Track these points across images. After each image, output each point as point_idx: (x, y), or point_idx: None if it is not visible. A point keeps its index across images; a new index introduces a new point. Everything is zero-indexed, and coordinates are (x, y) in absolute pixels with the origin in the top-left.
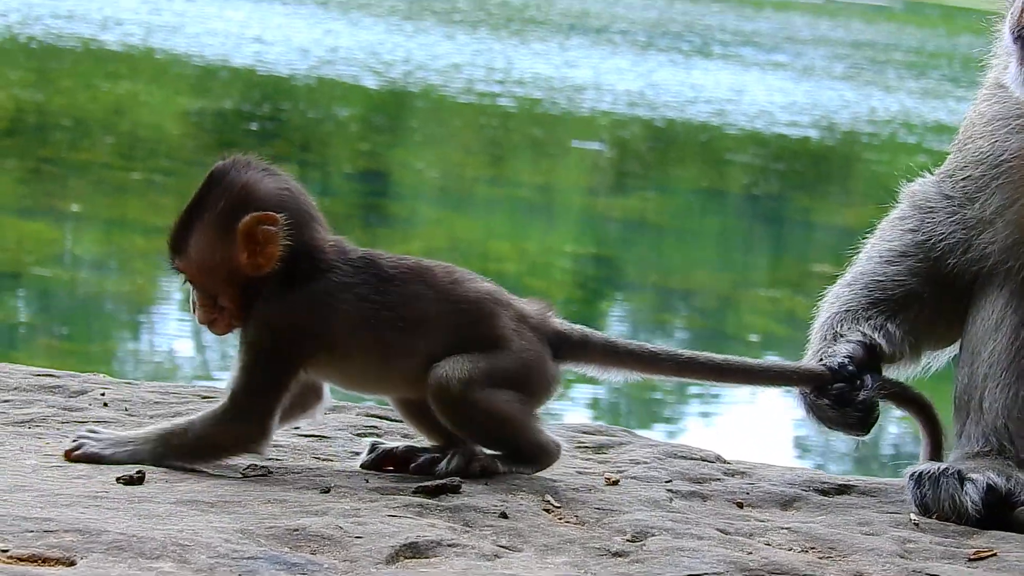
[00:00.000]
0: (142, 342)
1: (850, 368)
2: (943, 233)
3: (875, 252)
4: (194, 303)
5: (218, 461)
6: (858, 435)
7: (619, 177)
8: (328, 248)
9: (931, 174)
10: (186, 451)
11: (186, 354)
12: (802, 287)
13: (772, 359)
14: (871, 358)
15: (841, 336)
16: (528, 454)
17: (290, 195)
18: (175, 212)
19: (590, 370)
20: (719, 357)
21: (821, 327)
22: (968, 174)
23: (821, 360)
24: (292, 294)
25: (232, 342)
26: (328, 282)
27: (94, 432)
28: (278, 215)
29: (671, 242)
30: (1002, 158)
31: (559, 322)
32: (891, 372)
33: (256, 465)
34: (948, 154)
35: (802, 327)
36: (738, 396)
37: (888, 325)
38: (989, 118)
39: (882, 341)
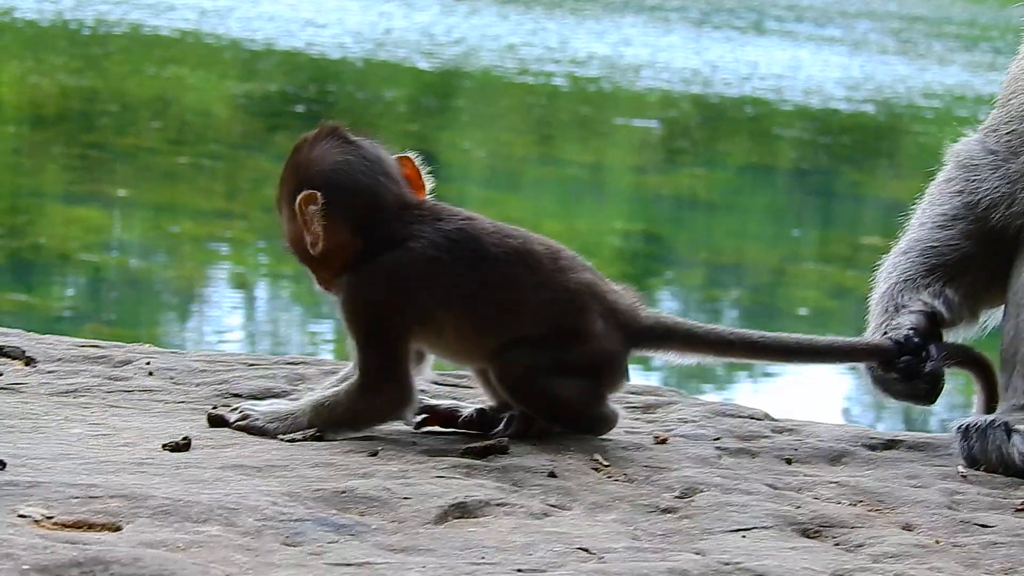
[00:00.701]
0: (189, 328)
1: (916, 340)
2: (988, 189)
3: (927, 218)
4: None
5: (372, 428)
6: (926, 405)
7: (669, 154)
8: (407, 217)
9: (974, 133)
10: (340, 423)
11: (235, 334)
12: (852, 260)
13: (836, 337)
14: (933, 326)
15: (903, 307)
16: (587, 426)
17: (351, 167)
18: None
19: (670, 356)
20: (790, 338)
21: (881, 298)
22: (1012, 128)
23: (886, 333)
24: (376, 266)
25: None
26: (410, 254)
27: (255, 407)
28: (318, 193)
29: (721, 218)
30: None
31: (645, 315)
32: (951, 335)
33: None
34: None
35: (852, 300)
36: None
37: (947, 291)
38: None
39: (942, 308)
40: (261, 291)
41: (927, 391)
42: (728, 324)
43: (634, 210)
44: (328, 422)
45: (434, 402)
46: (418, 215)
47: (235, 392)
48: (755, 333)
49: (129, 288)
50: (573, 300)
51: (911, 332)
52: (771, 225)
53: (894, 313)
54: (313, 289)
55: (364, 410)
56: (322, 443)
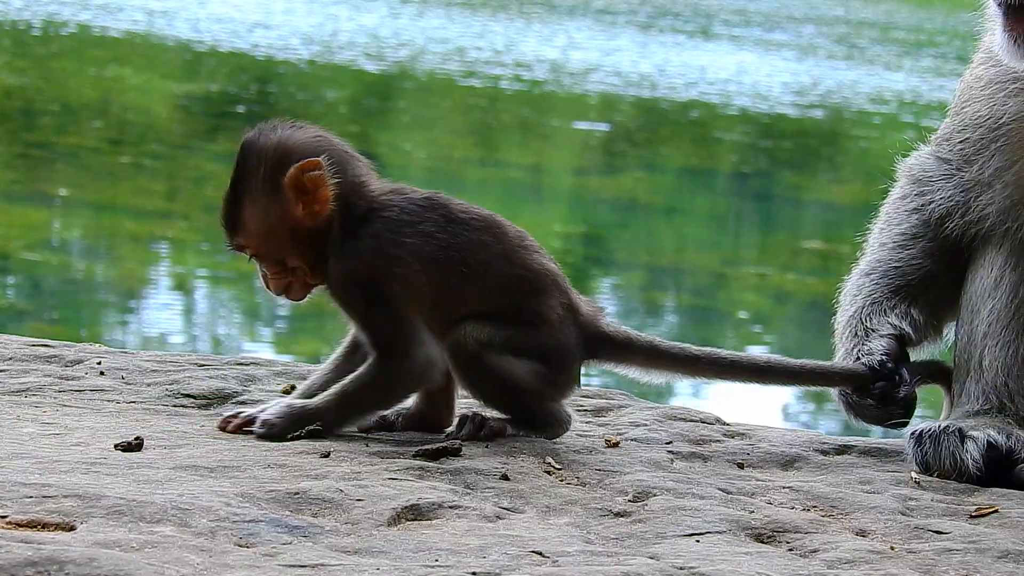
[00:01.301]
0: (132, 326)
1: (889, 365)
2: (942, 199)
3: (887, 238)
4: (264, 277)
5: (399, 402)
6: (900, 428)
7: (609, 157)
8: (382, 187)
9: (925, 145)
10: (366, 406)
11: (178, 336)
12: (792, 264)
13: (808, 360)
14: (902, 348)
15: (872, 331)
16: (538, 423)
17: (325, 140)
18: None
19: (632, 371)
20: (760, 358)
21: (849, 322)
22: (966, 136)
23: (858, 359)
24: (356, 240)
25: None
26: (389, 221)
27: (264, 412)
28: (318, 159)
29: (661, 221)
30: (1001, 121)
31: (607, 323)
32: (917, 353)
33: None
34: (935, 131)
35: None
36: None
37: (912, 311)
38: (986, 82)
39: (909, 330)
40: (202, 290)
41: (902, 415)
42: (668, 327)
43: (574, 212)
44: (357, 408)
45: None
46: (387, 188)
47: (186, 392)
48: (724, 352)
49: (71, 287)
50: (535, 280)
51: (884, 358)
52: (711, 228)
53: (864, 338)
54: (273, 297)
55: (394, 381)
56: (273, 444)
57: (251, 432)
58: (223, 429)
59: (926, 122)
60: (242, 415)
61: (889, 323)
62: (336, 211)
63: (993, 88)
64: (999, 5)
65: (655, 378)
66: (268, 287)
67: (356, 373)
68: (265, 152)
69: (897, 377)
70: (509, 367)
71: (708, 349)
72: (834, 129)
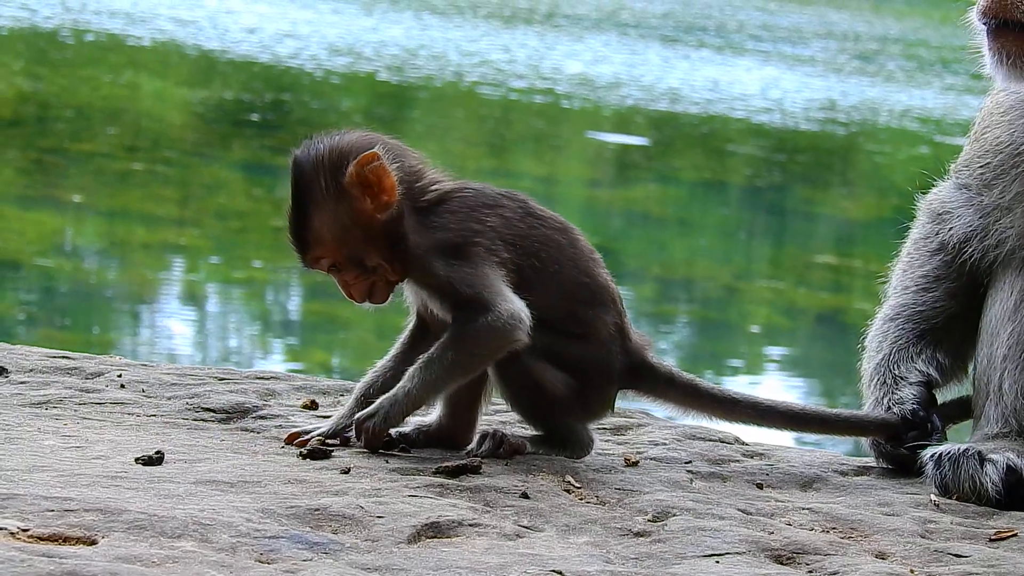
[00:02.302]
0: (144, 333)
1: (921, 414)
2: (961, 224)
3: (909, 281)
4: (346, 287)
5: (487, 361)
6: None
7: (621, 169)
8: (448, 178)
9: (945, 179)
10: (455, 368)
11: (190, 344)
12: (804, 278)
13: (843, 409)
14: (930, 393)
15: (901, 379)
16: (561, 440)
17: (374, 136)
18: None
19: (669, 408)
20: (797, 406)
21: (877, 369)
22: (986, 162)
23: (889, 408)
24: (436, 216)
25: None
26: (467, 200)
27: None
28: (374, 150)
29: (673, 233)
30: (1022, 147)
31: (653, 356)
32: (943, 393)
33: (318, 449)
34: (948, 146)
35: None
36: (753, 380)
37: (938, 355)
38: (1006, 108)
39: (936, 375)
40: (214, 298)
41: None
42: (680, 340)
43: (587, 224)
44: (450, 371)
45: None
46: (454, 180)
47: (207, 406)
48: (762, 398)
49: (83, 294)
50: (597, 293)
51: (916, 407)
52: (724, 241)
53: (893, 386)
54: (359, 305)
55: (481, 336)
56: (294, 459)
57: (332, 446)
58: (297, 446)
59: (940, 138)
60: (315, 432)
61: (917, 370)
62: (404, 198)
63: (1014, 114)
64: (983, 24)
65: (692, 417)
66: (351, 296)
67: (438, 343)
68: (319, 160)
69: (929, 425)
70: (546, 375)
71: (747, 394)
72: (848, 144)
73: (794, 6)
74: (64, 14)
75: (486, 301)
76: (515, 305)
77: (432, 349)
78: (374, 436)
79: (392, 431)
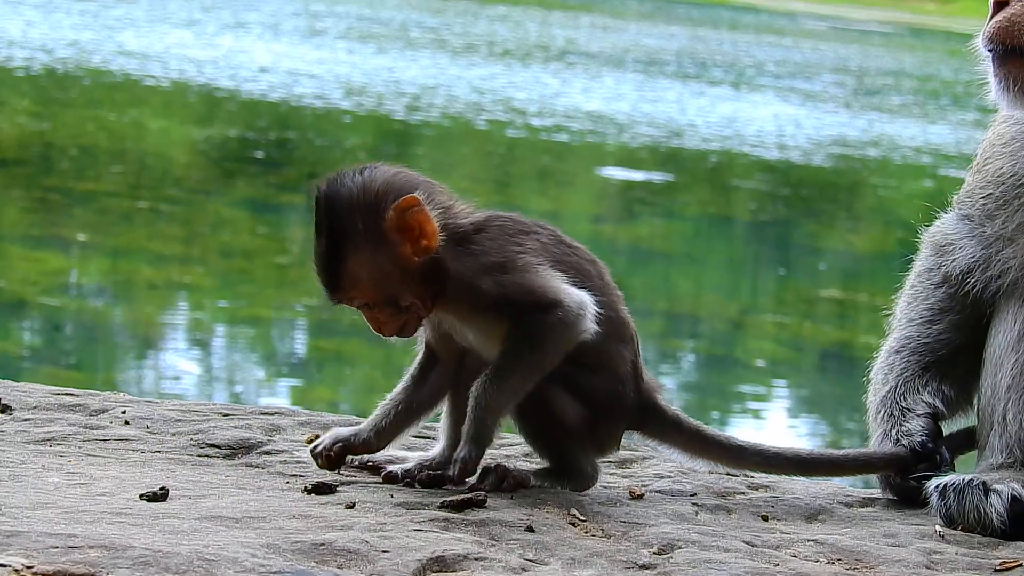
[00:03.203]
0: (149, 371)
1: (930, 446)
2: (964, 256)
3: (914, 314)
4: (376, 322)
5: (559, 356)
6: None
7: (627, 204)
8: (476, 211)
9: (948, 211)
10: (536, 364)
11: (195, 382)
12: (809, 312)
13: (851, 449)
14: (937, 426)
15: (909, 411)
16: (567, 471)
17: (407, 174)
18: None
19: (675, 453)
20: (803, 451)
21: (883, 402)
22: (988, 193)
23: (898, 440)
24: (475, 244)
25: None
26: (504, 228)
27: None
28: (414, 194)
29: (679, 268)
30: None
31: (661, 398)
32: (948, 425)
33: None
34: (953, 179)
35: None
36: (753, 411)
37: (944, 387)
38: (1008, 139)
39: (942, 407)
40: (219, 336)
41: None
42: (685, 375)
43: None
44: (525, 372)
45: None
46: (483, 212)
47: (211, 442)
48: (768, 444)
49: (89, 332)
50: (619, 328)
51: (924, 438)
52: (729, 276)
53: (901, 418)
54: (392, 341)
55: (553, 330)
56: (299, 494)
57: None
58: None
59: (944, 171)
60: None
61: (924, 402)
62: (440, 233)
63: (1015, 145)
64: (989, 51)
65: (698, 464)
66: (381, 331)
67: (503, 352)
68: (354, 199)
69: (938, 457)
70: (561, 404)
71: (752, 442)
72: (853, 178)
73: (811, 41)
74: (70, 53)
75: (549, 298)
76: (577, 295)
77: (497, 359)
78: (472, 464)
79: (396, 468)
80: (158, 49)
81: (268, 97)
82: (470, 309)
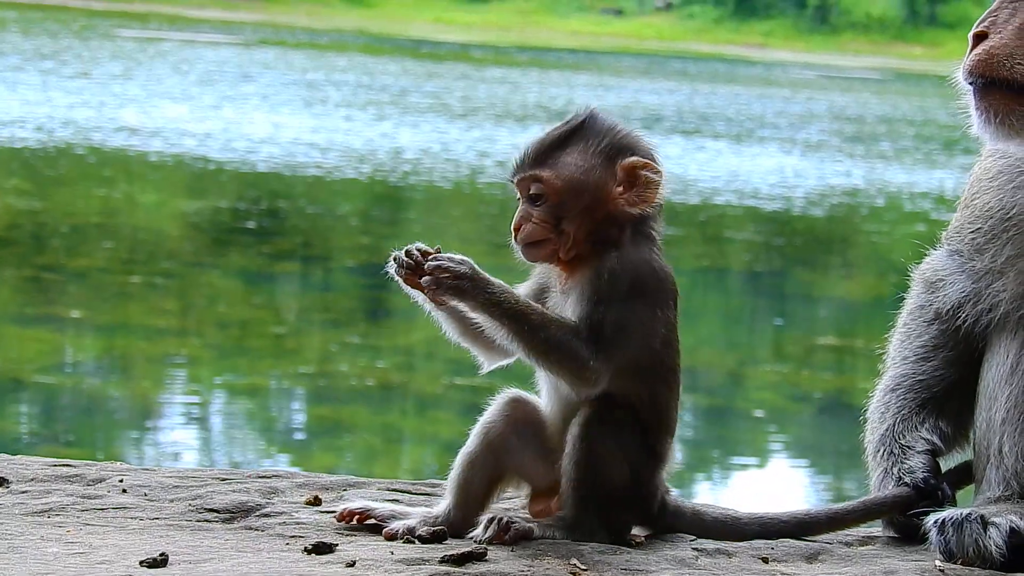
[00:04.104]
0: (149, 446)
1: (932, 482)
2: (954, 291)
3: (908, 351)
4: (525, 219)
5: (549, 370)
6: None
7: None
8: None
9: (937, 248)
10: (533, 338)
11: (196, 453)
12: (807, 361)
13: (852, 501)
14: (936, 460)
15: (908, 448)
16: (585, 525)
17: (659, 158)
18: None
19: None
20: (801, 511)
21: (882, 440)
22: (977, 227)
23: (900, 478)
24: (643, 249)
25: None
26: (665, 274)
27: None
28: (660, 167)
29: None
30: (1012, 212)
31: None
32: (946, 461)
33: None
34: (945, 222)
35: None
36: (754, 462)
37: (940, 424)
38: (994, 173)
39: (940, 443)
40: (218, 407)
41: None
42: (685, 428)
43: None
44: (531, 327)
45: (374, 505)
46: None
47: (209, 507)
48: (767, 512)
49: (85, 409)
50: (675, 420)
51: (926, 475)
52: (726, 327)
53: (901, 456)
54: (515, 238)
55: (568, 355)
56: (299, 555)
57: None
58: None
59: (936, 215)
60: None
61: (923, 438)
62: (636, 219)
63: (1002, 179)
64: (970, 84)
65: (706, 543)
66: (518, 227)
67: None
68: (612, 127)
69: (940, 493)
70: (619, 469)
71: (752, 512)
72: (846, 225)
73: (809, 92)
74: (65, 131)
75: (598, 346)
76: (603, 373)
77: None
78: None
79: (398, 524)
80: (152, 124)
81: (260, 167)
82: (594, 291)
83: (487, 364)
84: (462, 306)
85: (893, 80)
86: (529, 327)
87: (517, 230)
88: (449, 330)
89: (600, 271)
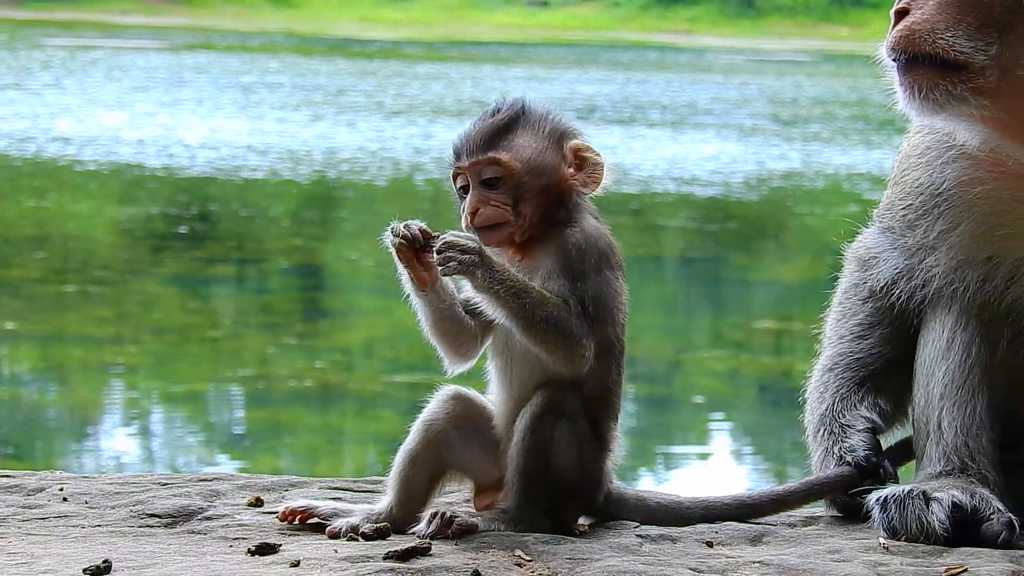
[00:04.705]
0: (89, 453)
1: (874, 460)
2: (887, 267)
3: (844, 330)
4: (482, 201)
5: (544, 348)
6: None
7: None
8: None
9: (869, 225)
10: (528, 316)
11: (137, 459)
12: (745, 345)
13: (793, 482)
14: (877, 438)
15: (848, 427)
16: (527, 518)
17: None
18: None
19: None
20: (743, 494)
21: (822, 420)
22: (908, 203)
23: (841, 456)
24: (596, 224)
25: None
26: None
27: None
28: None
29: None
30: (943, 187)
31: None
32: (886, 438)
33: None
34: (878, 201)
35: (748, 385)
36: (696, 448)
37: (879, 401)
38: (923, 149)
39: (880, 421)
40: (157, 413)
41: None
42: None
43: None
44: (525, 306)
45: (317, 503)
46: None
47: (151, 512)
48: (710, 496)
49: (24, 420)
50: (620, 404)
51: (868, 453)
52: (663, 316)
53: (842, 435)
54: (470, 225)
55: (560, 334)
56: (242, 556)
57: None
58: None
59: (869, 195)
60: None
61: (862, 417)
62: (577, 203)
63: (931, 155)
64: (893, 60)
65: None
66: (479, 214)
67: (544, 291)
68: (550, 115)
69: (882, 471)
70: (567, 460)
71: (694, 496)
72: (778, 208)
73: (741, 76)
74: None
75: (587, 322)
76: (591, 350)
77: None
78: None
79: (341, 522)
80: (87, 132)
81: (194, 172)
82: (547, 261)
83: (452, 365)
84: (466, 284)
85: (822, 62)
86: (530, 305)
87: (474, 214)
88: (424, 320)
89: (566, 248)
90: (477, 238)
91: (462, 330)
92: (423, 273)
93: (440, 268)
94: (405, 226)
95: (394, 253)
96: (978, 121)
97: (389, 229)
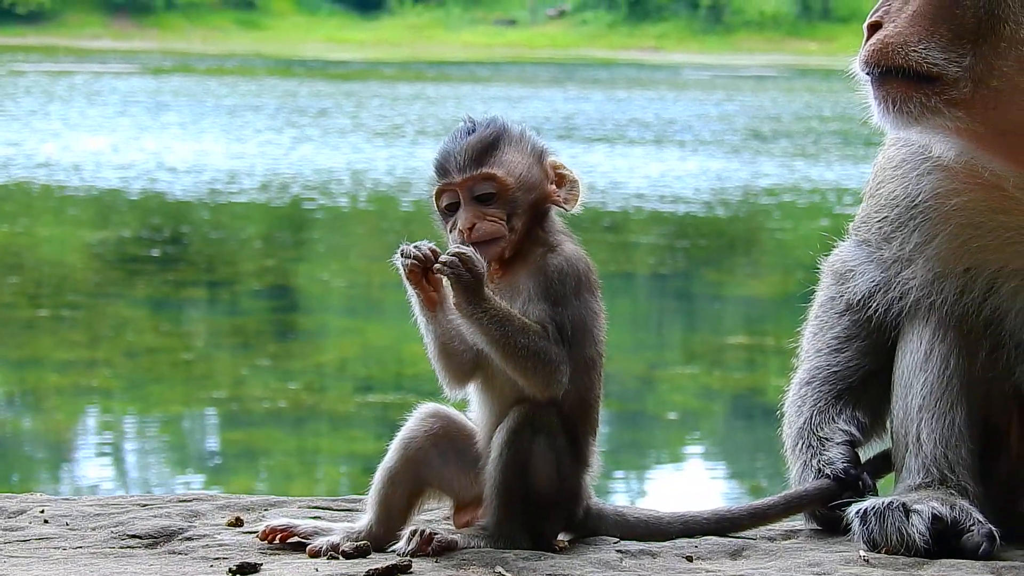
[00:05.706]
0: (65, 477)
1: (852, 472)
2: (865, 281)
3: (821, 343)
4: (478, 216)
5: (521, 374)
6: None
7: None
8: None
9: (844, 239)
10: (511, 347)
11: (113, 482)
12: (718, 361)
13: (773, 496)
14: (855, 450)
15: (827, 440)
16: (510, 533)
17: None
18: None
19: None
20: (723, 509)
21: (800, 433)
22: (883, 216)
23: (820, 469)
24: (573, 246)
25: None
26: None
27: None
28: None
29: None
30: (918, 199)
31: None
32: (864, 450)
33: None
34: (849, 215)
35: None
36: (675, 468)
37: (857, 414)
38: (898, 162)
39: (858, 433)
40: (131, 436)
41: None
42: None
43: None
44: (507, 337)
45: (297, 522)
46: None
47: (132, 533)
48: (688, 511)
49: (0, 444)
50: (597, 419)
51: (847, 465)
52: (635, 332)
53: (820, 448)
54: (464, 241)
55: (539, 360)
56: (223, 575)
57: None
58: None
59: (839, 209)
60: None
61: (840, 430)
62: (553, 220)
63: (906, 167)
64: (867, 74)
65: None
66: (476, 229)
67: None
68: (525, 133)
69: (861, 483)
70: (543, 473)
71: (674, 511)
72: (750, 224)
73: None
74: None
75: (564, 347)
76: (567, 375)
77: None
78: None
79: (321, 541)
80: (67, 158)
81: (165, 194)
82: (527, 283)
83: (451, 389)
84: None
85: (792, 77)
86: (512, 333)
87: (471, 229)
88: (430, 342)
89: (547, 271)
90: (485, 263)
91: (466, 352)
92: (432, 294)
93: (443, 267)
94: (415, 246)
95: (403, 274)
96: (953, 133)
97: (399, 251)
